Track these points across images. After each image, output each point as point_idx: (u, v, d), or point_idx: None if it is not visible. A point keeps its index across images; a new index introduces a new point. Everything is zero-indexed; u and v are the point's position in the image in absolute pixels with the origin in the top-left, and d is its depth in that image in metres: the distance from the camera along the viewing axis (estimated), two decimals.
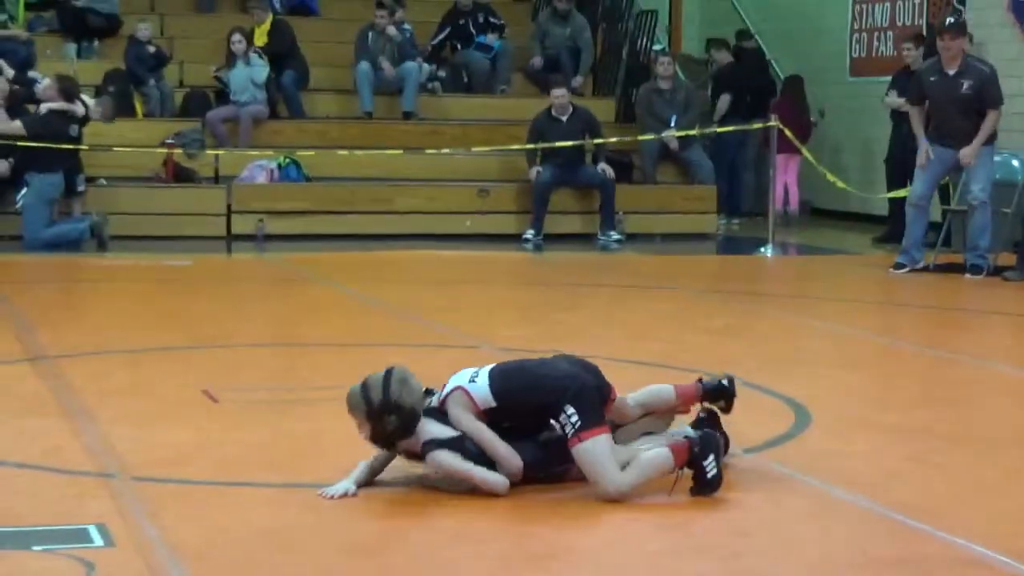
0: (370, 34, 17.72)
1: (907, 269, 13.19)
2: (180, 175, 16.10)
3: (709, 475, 5.53)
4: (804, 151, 16.62)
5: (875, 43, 18.37)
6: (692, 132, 17.12)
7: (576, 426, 5.51)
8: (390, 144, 16.84)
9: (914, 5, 17.64)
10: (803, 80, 18.44)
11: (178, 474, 5.80)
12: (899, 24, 17.85)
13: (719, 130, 17.53)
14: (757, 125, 17.01)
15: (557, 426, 5.65)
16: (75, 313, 10.93)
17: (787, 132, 15.79)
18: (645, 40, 19.31)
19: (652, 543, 5.09)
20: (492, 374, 5.73)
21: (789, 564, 4.86)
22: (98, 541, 4.81)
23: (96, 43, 17.96)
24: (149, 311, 11.08)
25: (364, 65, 17.48)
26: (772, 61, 19.55)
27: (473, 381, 5.71)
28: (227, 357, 8.93)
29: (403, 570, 4.73)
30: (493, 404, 5.66)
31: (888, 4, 18.12)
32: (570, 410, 5.53)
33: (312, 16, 19.42)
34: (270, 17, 17.54)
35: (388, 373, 5.56)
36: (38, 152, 14.39)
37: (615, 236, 16.04)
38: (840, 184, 15.84)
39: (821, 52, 19.09)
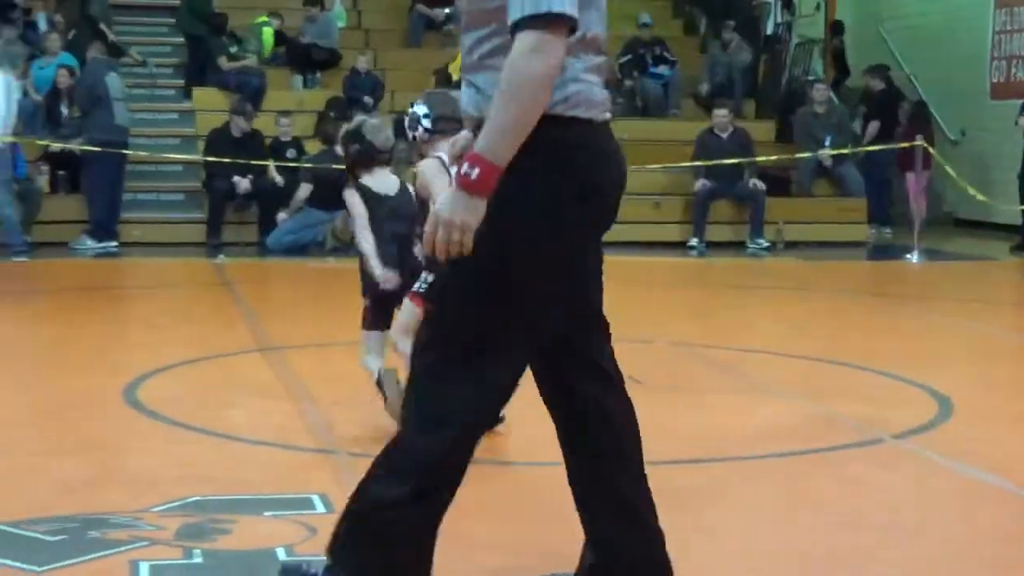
0: None
1: None
2: None
3: None
4: (947, 167, 16.28)
5: (1012, 70, 17.96)
6: (844, 151, 16.96)
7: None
8: None
9: None
10: (927, 105, 18.22)
11: None
12: None
13: (867, 149, 17.25)
14: (904, 144, 16.72)
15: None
16: (299, 309, 11.09)
17: (931, 151, 15.49)
18: (802, 69, 19.16)
19: (804, 519, 5.00)
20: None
21: (935, 538, 4.75)
22: (320, 508, 4.86)
23: (319, 74, 18.24)
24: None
25: None
26: (913, 80, 19.30)
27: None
28: None
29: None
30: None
31: None
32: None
33: None
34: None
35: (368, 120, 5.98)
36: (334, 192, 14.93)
37: (762, 243, 15.93)
38: (980, 197, 15.48)
39: (962, 78, 18.73)
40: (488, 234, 3.31)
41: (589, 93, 3.45)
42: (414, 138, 5.83)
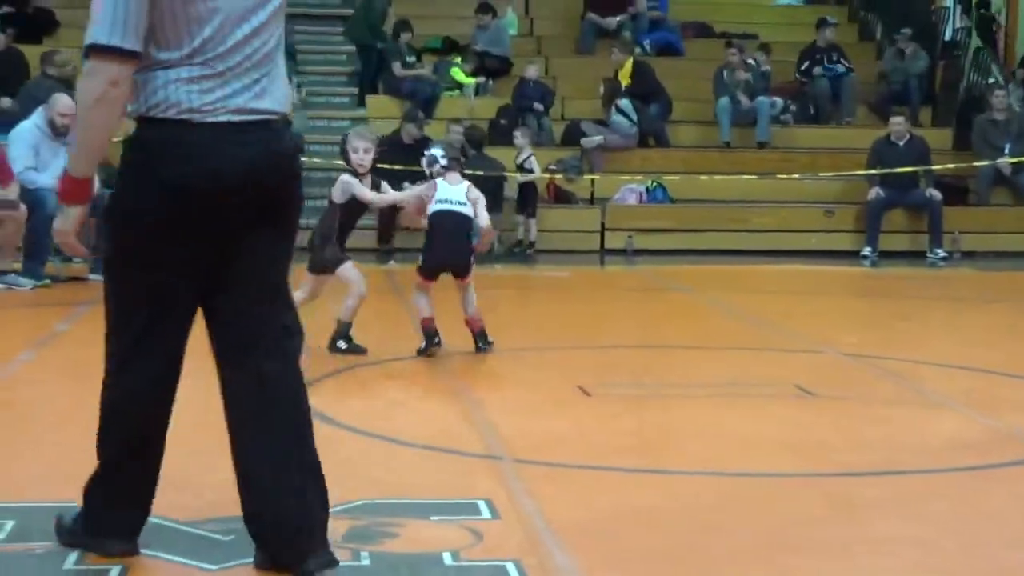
0: (725, 72, 17.69)
1: None
2: (561, 196, 16.33)
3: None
4: None
5: None
6: None
7: None
8: (746, 170, 16.76)
9: None
10: None
11: (554, 457, 5.86)
12: None
13: None
14: None
15: None
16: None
17: None
18: (979, 75, 18.77)
19: (977, 535, 4.87)
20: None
21: None
22: (485, 514, 4.88)
23: (491, 82, 18.34)
24: (531, 315, 11.24)
25: (724, 100, 17.47)
26: None
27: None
28: (598, 356, 9.00)
29: (754, 548, 4.67)
30: None
31: None
32: None
33: (677, 56, 19.45)
34: (630, 59, 17.57)
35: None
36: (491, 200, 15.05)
37: (940, 253, 15.64)
38: None
39: None
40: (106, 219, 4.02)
41: (183, 98, 3.82)
42: (431, 173, 8.43)
